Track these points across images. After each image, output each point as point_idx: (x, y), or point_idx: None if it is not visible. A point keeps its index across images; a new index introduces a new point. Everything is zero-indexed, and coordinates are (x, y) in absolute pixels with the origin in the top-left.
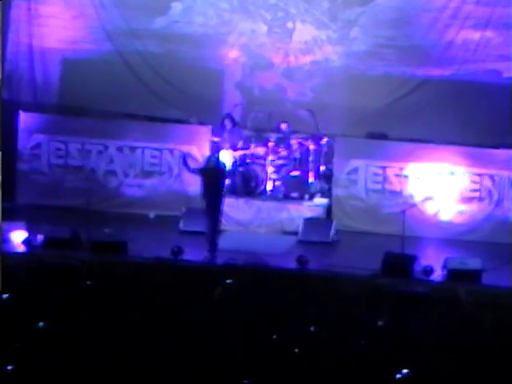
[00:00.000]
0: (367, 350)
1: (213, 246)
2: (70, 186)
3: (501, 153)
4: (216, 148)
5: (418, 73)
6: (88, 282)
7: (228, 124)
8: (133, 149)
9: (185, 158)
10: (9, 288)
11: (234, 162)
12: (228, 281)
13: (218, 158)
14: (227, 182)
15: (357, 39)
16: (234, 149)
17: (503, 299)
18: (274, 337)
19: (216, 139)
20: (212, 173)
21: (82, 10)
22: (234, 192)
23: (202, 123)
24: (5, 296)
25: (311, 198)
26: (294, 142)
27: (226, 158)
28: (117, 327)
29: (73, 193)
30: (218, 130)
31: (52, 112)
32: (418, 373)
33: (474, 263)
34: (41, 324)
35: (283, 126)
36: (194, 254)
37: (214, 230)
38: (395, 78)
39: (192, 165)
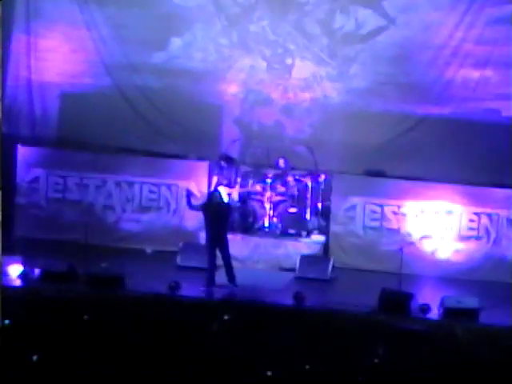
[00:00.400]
0: None
1: (230, 278)
2: (68, 220)
3: (499, 192)
4: (216, 184)
5: (416, 110)
6: (84, 317)
7: (224, 164)
8: (131, 184)
9: (189, 196)
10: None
11: (232, 199)
12: (225, 316)
13: (220, 193)
14: None
15: (356, 76)
16: (232, 186)
17: (500, 338)
18: (269, 373)
19: (215, 176)
20: (215, 208)
21: (81, 44)
22: (232, 228)
23: (200, 158)
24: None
25: (309, 234)
26: (291, 178)
27: (224, 194)
28: (113, 361)
29: (70, 227)
30: (215, 166)
31: (50, 146)
32: None
33: (470, 302)
34: (36, 357)
35: (281, 162)
36: (191, 289)
37: (215, 266)
38: (394, 115)
39: (193, 201)
